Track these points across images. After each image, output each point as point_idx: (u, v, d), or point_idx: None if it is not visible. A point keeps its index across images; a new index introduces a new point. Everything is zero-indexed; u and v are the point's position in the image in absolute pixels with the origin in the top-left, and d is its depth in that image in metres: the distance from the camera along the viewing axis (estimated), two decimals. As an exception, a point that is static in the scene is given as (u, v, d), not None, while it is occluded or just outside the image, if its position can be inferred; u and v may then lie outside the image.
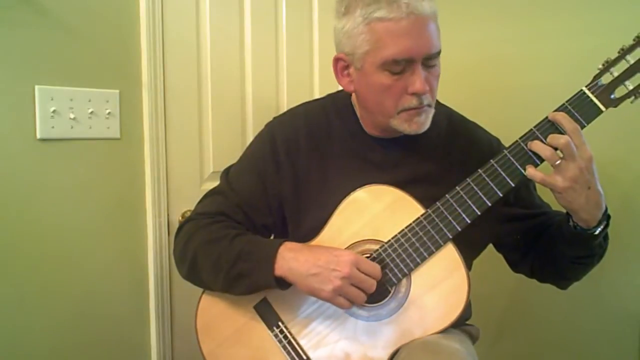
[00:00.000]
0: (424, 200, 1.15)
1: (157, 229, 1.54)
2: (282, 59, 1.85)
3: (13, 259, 1.28)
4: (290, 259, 1.11)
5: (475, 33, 1.89)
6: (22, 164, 1.29)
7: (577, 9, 1.68)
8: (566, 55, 1.66)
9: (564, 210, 1.16)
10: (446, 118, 1.28)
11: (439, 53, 1.13)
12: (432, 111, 1.17)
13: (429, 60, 1.12)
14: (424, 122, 1.16)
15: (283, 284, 1.13)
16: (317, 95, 1.87)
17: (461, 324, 1.29)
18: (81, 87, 1.38)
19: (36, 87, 1.29)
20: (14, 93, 1.27)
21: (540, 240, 1.26)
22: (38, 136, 1.30)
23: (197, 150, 1.64)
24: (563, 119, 1.08)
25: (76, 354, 1.40)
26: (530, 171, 1.09)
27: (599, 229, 1.13)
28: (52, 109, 1.32)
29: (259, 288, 1.16)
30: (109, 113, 1.43)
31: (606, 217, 1.14)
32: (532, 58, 1.77)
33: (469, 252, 1.17)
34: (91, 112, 1.39)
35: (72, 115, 1.36)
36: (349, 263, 1.08)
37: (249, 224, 1.25)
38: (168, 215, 1.57)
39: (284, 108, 1.80)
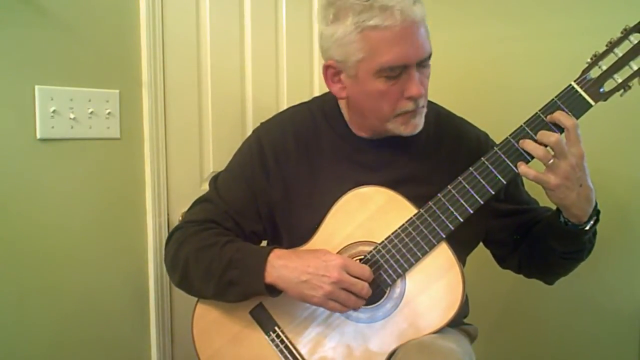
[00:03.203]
0: (416, 199, 1.15)
1: (157, 229, 1.54)
2: (282, 59, 1.85)
3: (13, 258, 1.29)
4: (280, 266, 1.12)
5: (470, 33, 1.89)
6: (22, 164, 1.29)
7: (572, 10, 1.68)
8: (561, 55, 1.66)
9: (552, 206, 1.17)
10: (434, 115, 1.28)
11: (430, 55, 1.13)
12: (425, 111, 1.18)
13: (422, 63, 1.12)
14: (419, 123, 1.17)
15: (273, 291, 1.13)
16: (317, 94, 1.87)
17: (459, 323, 1.29)
18: (81, 87, 1.38)
19: (36, 87, 1.30)
20: (14, 93, 1.27)
21: (529, 236, 1.26)
22: (38, 136, 1.31)
23: (197, 150, 1.64)
24: (561, 115, 1.08)
25: (75, 354, 1.41)
26: (523, 168, 1.09)
27: (590, 224, 1.13)
28: (52, 109, 1.32)
29: (250, 295, 1.16)
30: (109, 113, 1.43)
31: (596, 212, 1.14)
32: (527, 58, 1.77)
33: (461, 249, 1.18)
34: (91, 112, 1.40)
35: (72, 115, 1.36)
36: (337, 267, 1.08)
37: (239, 231, 1.25)
38: (168, 215, 1.57)
39: (284, 107, 1.79)
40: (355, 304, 1.10)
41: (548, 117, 1.09)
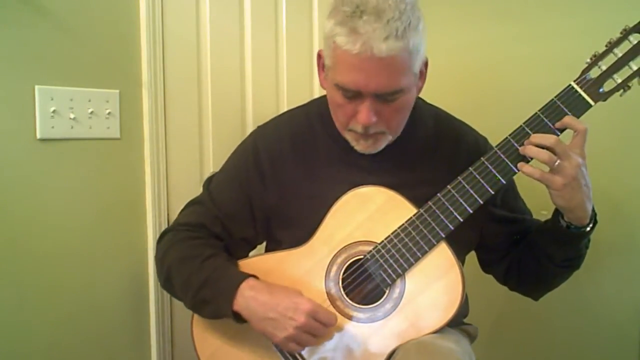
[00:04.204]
0: (414, 200, 1.15)
1: (157, 229, 1.53)
2: (282, 59, 1.84)
3: (13, 258, 1.29)
4: (250, 297, 1.12)
5: (469, 33, 1.89)
6: (22, 164, 1.29)
7: (572, 10, 1.68)
8: (561, 55, 1.65)
9: (541, 219, 1.18)
10: (432, 118, 1.28)
11: (397, 91, 1.09)
12: (386, 137, 1.17)
13: (384, 96, 1.09)
14: (372, 145, 1.17)
15: (240, 319, 1.14)
16: (317, 96, 1.87)
17: (459, 323, 1.30)
18: (81, 87, 1.38)
19: (36, 87, 1.29)
20: (14, 93, 1.27)
21: (520, 246, 1.26)
22: (38, 136, 1.30)
23: (197, 150, 1.64)
24: (572, 120, 1.08)
25: (75, 354, 1.40)
26: (527, 169, 1.09)
27: (590, 226, 1.14)
28: (52, 109, 1.32)
29: (220, 317, 1.17)
30: (109, 113, 1.43)
31: (594, 213, 1.15)
32: (527, 58, 1.77)
33: (460, 249, 1.17)
34: (91, 112, 1.40)
35: (72, 115, 1.36)
36: (305, 313, 1.09)
37: (227, 237, 1.26)
38: (168, 215, 1.57)
39: (284, 108, 1.80)
40: (313, 345, 1.13)
41: (558, 123, 1.09)
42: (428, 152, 1.25)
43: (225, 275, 1.17)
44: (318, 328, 1.10)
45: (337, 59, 1.08)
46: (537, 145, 1.08)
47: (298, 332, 1.09)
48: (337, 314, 1.15)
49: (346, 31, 1.04)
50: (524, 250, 1.25)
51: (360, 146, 1.18)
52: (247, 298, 1.12)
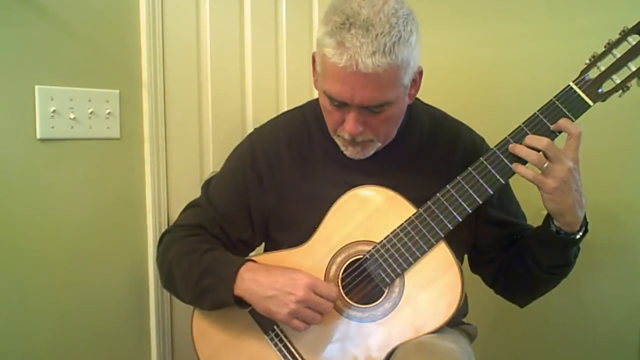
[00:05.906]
0: (411, 201, 1.15)
1: (157, 229, 1.54)
2: (282, 59, 1.85)
3: (13, 259, 1.29)
4: (249, 279, 1.12)
5: (469, 33, 1.89)
6: (22, 164, 1.29)
7: (571, 10, 1.68)
8: (560, 55, 1.66)
9: (540, 221, 1.17)
10: (429, 117, 1.28)
11: (383, 104, 1.08)
12: (375, 145, 1.17)
13: (370, 108, 1.09)
14: (361, 152, 1.18)
15: (242, 303, 1.14)
16: (316, 96, 1.88)
17: (458, 323, 1.30)
18: (81, 87, 1.38)
19: (36, 87, 1.30)
20: (14, 93, 1.27)
21: (512, 249, 1.25)
22: (38, 136, 1.31)
23: (197, 150, 1.64)
24: (567, 123, 1.08)
25: (75, 353, 1.41)
26: (521, 169, 1.09)
27: (581, 233, 1.13)
28: (52, 109, 1.32)
29: (221, 305, 1.17)
30: (109, 113, 1.43)
31: (585, 222, 1.14)
32: (526, 58, 1.77)
33: (457, 250, 1.17)
34: (91, 112, 1.40)
35: (72, 115, 1.36)
36: (304, 287, 1.08)
37: (225, 238, 1.26)
38: (168, 215, 1.57)
39: (284, 108, 1.81)
40: (319, 322, 1.11)
41: (553, 125, 1.09)
42: (424, 152, 1.25)
43: (224, 263, 1.17)
44: (319, 302, 1.09)
45: (325, 67, 1.08)
46: (531, 147, 1.08)
47: (299, 307, 1.08)
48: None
49: (334, 43, 1.03)
50: (513, 253, 1.25)
51: (348, 152, 1.19)
52: (246, 281, 1.12)
